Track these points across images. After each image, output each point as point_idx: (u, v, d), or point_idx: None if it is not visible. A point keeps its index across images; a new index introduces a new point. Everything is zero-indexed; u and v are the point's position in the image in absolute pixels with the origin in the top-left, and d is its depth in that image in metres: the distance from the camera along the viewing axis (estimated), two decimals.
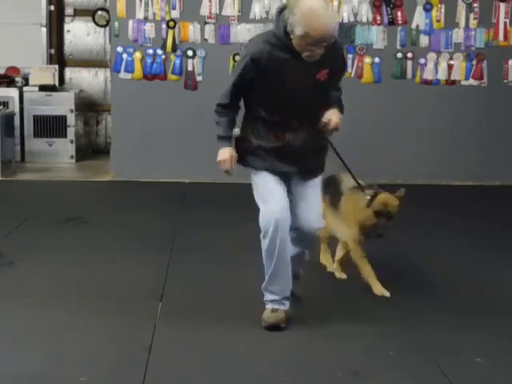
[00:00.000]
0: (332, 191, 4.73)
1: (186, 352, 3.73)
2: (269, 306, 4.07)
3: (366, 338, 3.93)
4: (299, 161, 3.94)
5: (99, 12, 10.43)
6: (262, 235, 3.96)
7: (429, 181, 8.51)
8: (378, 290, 4.59)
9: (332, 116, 3.89)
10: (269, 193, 3.93)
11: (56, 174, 8.84)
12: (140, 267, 5.16)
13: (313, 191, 4.04)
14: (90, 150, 10.39)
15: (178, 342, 3.85)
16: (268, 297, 4.09)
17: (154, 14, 8.41)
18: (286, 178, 4.00)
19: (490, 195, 8.18)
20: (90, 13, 10.45)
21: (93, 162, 9.69)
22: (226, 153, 3.96)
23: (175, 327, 4.04)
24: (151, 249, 5.64)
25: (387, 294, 4.56)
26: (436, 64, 8.58)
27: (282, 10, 3.81)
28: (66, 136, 9.54)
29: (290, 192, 4.01)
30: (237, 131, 4.06)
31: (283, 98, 3.83)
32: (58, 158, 9.54)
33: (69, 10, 10.50)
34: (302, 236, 4.06)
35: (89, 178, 8.68)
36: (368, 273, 4.64)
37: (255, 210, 3.78)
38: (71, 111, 9.53)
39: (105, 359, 3.62)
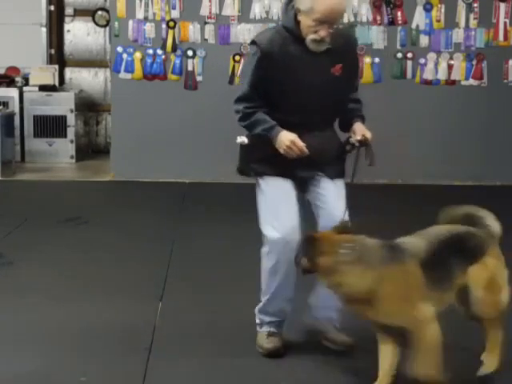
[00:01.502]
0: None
1: (185, 352, 3.73)
2: (264, 329, 3.71)
3: (366, 338, 3.93)
4: (319, 164, 3.60)
5: (99, 12, 10.44)
6: (265, 252, 3.63)
7: (429, 181, 8.51)
8: None
9: (365, 131, 3.66)
10: (280, 205, 3.54)
11: (56, 174, 8.84)
12: (140, 267, 5.16)
13: (338, 189, 3.69)
14: (90, 150, 10.39)
15: (178, 342, 3.85)
16: (264, 319, 3.72)
17: (154, 14, 8.41)
18: (303, 183, 3.66)
19: (490, 195, 8.17)
20: (90, 13, 10.45)
21: (93, 162, 9.69)
22: (287, 135, 3.44)
23: (175, 327, 4.04)
24: (151, 249, 5.64)
25: None
26: (436, 64, 8.58)
27: (290, 0, 3.54)
28: (66, 136, 9.54)
29: (310, 192, 3.67)
30: (244, 139, 3.64)
31: (299, 94, 3.51)
32: (58, 158, 9.54)
33: (69, 10, 10.50)
34: None
35: (89, 178, 8.68)
36: None
37: (254, 209, 3.73)
38: (71, 111, 9.53)
39: (105, 359, 3.62)
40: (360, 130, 3.62)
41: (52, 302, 4.42)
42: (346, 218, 3.49)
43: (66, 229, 6.24)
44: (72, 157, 9.59)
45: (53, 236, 5.99)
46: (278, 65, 3.45)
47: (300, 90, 3.50)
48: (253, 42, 3.56)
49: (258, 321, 3.76)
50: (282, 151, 3.44)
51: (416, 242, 3.38)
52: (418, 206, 7.51)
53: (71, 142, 9.57)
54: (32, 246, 5.64)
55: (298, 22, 3.45)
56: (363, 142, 3.64)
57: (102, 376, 3.44)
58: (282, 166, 3.52)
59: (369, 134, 3.64)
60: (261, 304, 3.72)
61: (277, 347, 3.63)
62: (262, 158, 3.58)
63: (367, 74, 8.55)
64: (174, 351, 3.73)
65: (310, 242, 3.14)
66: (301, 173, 3.58)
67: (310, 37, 3.41)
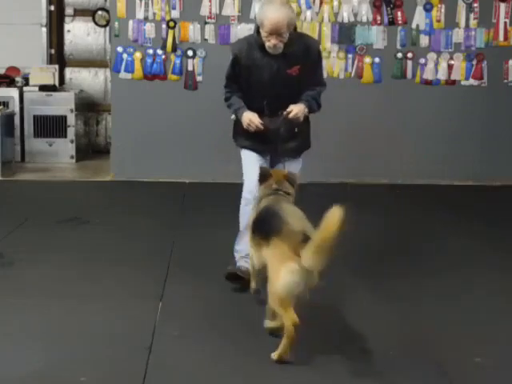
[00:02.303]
0: None
1: (185, 352, 3.73)
2: (237, 263, 4.79)
3: (366, 338, 3.93)
4: (275, 141, 4.62)
5: (99, 12, 10.43)
6: (241, 200, 4.74)
7: (429, 181, 8.51)
8: None
9: (294, 108, 4.52)
10: (249, 169, 4.72)
11: (56, 174, 8.84)
12: (140, 267, 5.16)
13: (290, 163, 4.67)
14: (90, 150, 10.39)
15: (178, 342, 3.85)
16: (235, 255, 4.84)
17: (154, 14, 8.40)
18: (266, 154, 4.76)
19: (489, 195, 8.18)
20: (90, 13, 10.45)
21: (93, 162, 9.69)
22: (248, 114, 4.58)
23: (175, 327, 4.04)
24: (151, 248, 5.64)
25: None
26: (436, 64, 8.57)
27: None
28: (66, 136, 9.54)
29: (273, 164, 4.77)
30: (233, 116, 4.88)
31: (259, 87, 4.60)
32: (58, 158, 9.54)
33: (69, 10, 10.49)
34: None
35: (89, 178, 8.68)
36: None
37: None
38: (71, 111, 9.53)
39: (105, 359, 3.62)
40: (291, 106, 4.53)
41: (52, 301, 4.42)
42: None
43: (66, 229, 6.24)
44: (72, 157, 9.59)
45: (53, 236, 5.99)
46: (244, 65, 4.61)
47: (259, 84, 4.58)
48: (231, 46, 4.97)
49: (234, 258, 4.85)
50: (244, 126, 4.60)
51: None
52: (418, 206, 7.52)
53: (71, 141, 9.57)
54: (32, 246, 5.64)
55: (259, 32, 4.50)
56: (287, 115, 4.52)
57: (102, 376, 3.45)
58: (249, 140, 4.71)
59: (295, 109, 4.52)
60: (235, 242, 4.87)
61: (234, 271, 4.70)
62: (241, 132, 4.74)
63: (367, 74, 8.55)
64: (173, 351, 3.73)
65: (263, 173, 4.34)
66: (263, 146, 4.69)
67: (266, 44, 4.45)
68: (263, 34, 4.42)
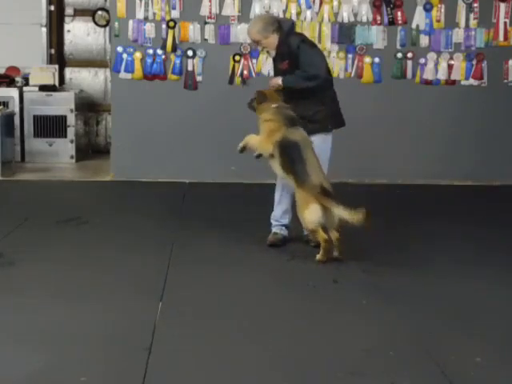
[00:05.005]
0: None
1: (185, 352, 3.73)
2: (273, 230, 5.76)
3: (366, 338, 3.93)
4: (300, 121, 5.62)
5: (99, 12, 10.45)
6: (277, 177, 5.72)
7: (429, 181, 8.52)
8: None
9: (273, 80, 5.73)
10: None
11: (56, 174, 8.84)
12: (140, 267, 5.16)
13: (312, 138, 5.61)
14: (90, 150, 10.39)
15: (178, 342, 3.85)
16: (272, 223, 5.76)
17: (154, 14, 8.41)
18: None
19: (489, 195, 8.18)
20: (90, 13, 10.46)
21: (93, 162, 9.69)
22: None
23: (175, 327, 4.04)
24: (151, 249, 5.64)
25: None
26: (436, 64, 8.58)
27: None
28: (66, 136, 9.54)
29: None
30: None
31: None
32: (58, 157, 9.54)
33: (69, 10, 10.51)
34: None
35: (89, 178, 8.68)
36: None
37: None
38: (71, 111, 9.54)
39: (105, 359, 3.62)
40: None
41: (52, 301, 4.42)
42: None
43: (66, 229, 6.24)
44: (72, 157, 9.59)
45: (53, 236, 5.99)
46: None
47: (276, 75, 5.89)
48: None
49: (271, 226, 5.77)
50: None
51: None
52: (418, 206, 7.52)
53: (71, 142, 9.58)
54: (32, 246, 5.63)
55: None
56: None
57: (102, 376, 3.44)
58: None
59: (273, 81, 5.71)
60: (272, 213, 5.77)
61: (274, 241, 5.69)
62: None
63: (367, 74, 8.56)
64: (174, 351, 3.73)
65: (261, 94, 5.61)
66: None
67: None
68: None
